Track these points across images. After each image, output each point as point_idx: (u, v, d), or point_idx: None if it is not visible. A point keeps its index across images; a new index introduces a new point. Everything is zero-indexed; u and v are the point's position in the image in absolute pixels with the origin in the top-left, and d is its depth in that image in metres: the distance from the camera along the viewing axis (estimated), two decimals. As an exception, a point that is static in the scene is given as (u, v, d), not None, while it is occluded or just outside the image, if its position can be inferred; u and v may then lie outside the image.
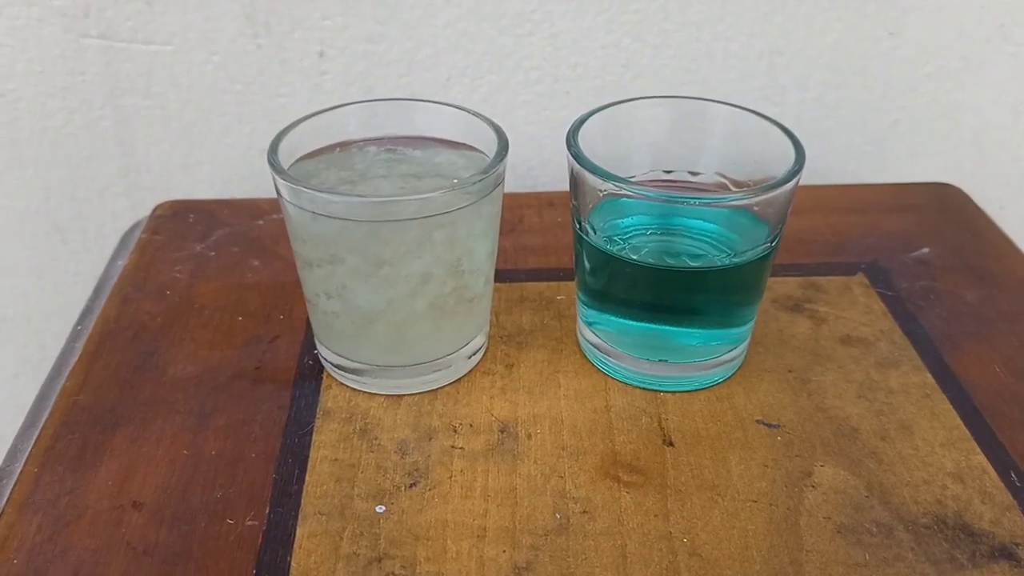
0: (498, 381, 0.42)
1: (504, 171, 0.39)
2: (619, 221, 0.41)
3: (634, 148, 0.44)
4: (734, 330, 0.41)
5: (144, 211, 0.58)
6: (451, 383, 0.42)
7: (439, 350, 0.41)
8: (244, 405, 0.41)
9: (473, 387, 0.42)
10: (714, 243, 0.40)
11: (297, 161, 0.41)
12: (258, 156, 0.61)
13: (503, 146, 0.39)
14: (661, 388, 0.42)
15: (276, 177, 0.38)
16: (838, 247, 0.52)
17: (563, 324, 0.46)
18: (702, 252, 0.40)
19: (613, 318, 0.41)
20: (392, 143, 0.43)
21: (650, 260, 0.39)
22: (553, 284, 0.49)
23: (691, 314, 0.40)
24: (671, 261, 0.38)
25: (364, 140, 0.43)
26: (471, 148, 0.42)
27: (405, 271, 0.38)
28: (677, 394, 0.41)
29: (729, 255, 0.39)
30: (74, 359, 0.44)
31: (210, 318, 0.46)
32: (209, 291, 0.48)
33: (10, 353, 0.68)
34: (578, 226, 0.41)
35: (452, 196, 0.36)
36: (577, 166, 0.39)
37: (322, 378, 0.42)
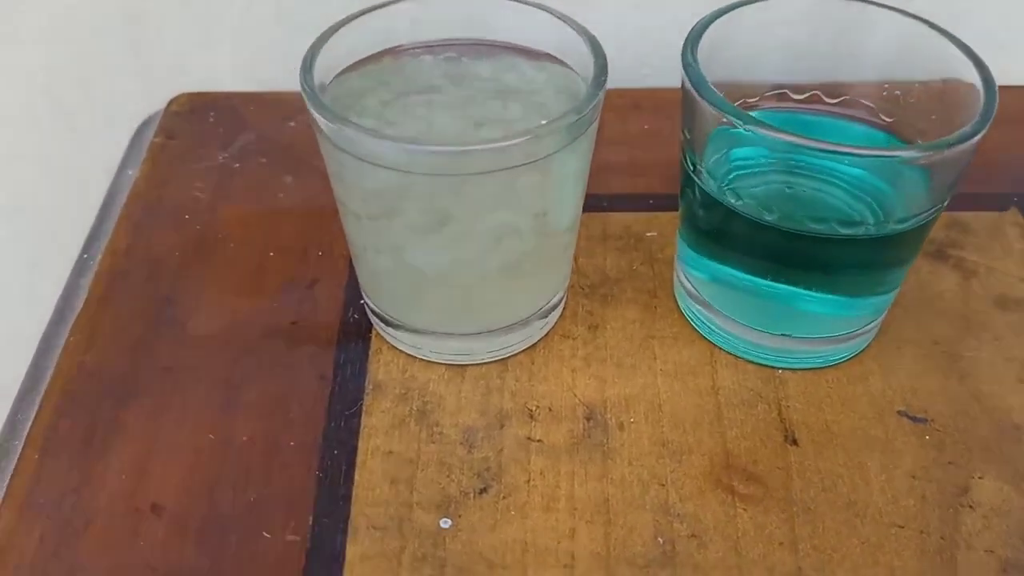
0: (580, 348, 0.35)
1: (603, 101, 0.30)
2: (739, 151, 0.33)
3: (762, 61, 0.34)
4: (878, 298, 0.33)
5: (158, 101, 0.49)
6: (524, 350, 0.35)
7: (513, 314, 0.34)
8: (279, 374, 0.34)
9: (551, 355, 0.35)
10: (860, 195, 0.32)
11: (337, 76, 0.33)
12: (288, 37, 0.52)
13: (601, 67, 0.30)
14: (780, 364, 0.34)
15: (312, 109, 0.29)
16: (985, 171, 0.43)
17: (656, 271, 0.38)
18: (847, 209, 0.31)
19: (725, 275, 0.33)
20: (453, 49, 0.34)
21: (785, 224, 0.30)
22: (642, 216, 0.40)
23: (828, 281, 0.32)
24: (814, 226, 0.30)
25: (418, 45, 0.34)
26: (552, 59, 0.33)
27: (476, 228, 0.30)
28: (799, 372, 0.34)
29: (883, 218, 0.31)
30: (79, 301, 0.37)
31: (237, 253, 0.39)
32: (235, 216, 0.41)
33: (24, 249, 0.61)
34: (689, 164, 0.33)
35: (538, 142, 0.28)
36: (695, 94, 0.30)
37: (370, 338, 0.36)
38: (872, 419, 0.33)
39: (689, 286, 0.36)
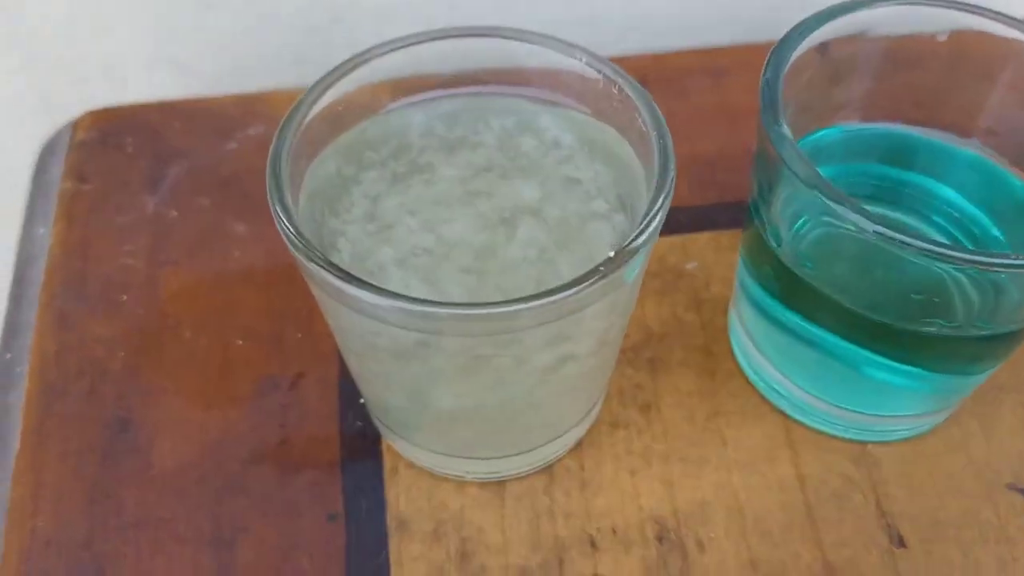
0: (635, 439, 0.29)
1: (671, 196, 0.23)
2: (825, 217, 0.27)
3: (845, 94, 0.28)
4: (982, 375, 0.28)
5: (60, 114, 0.40)
6: (570, 450, 0.29)
7: (560, 427, 0.28)
8: (278, 518, 0.28)
9: (603, 455, 0.29)
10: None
11: (312, 164, 0.25)
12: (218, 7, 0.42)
13: (665, 152, 0.23)
14: (870, 438, 0.29)
15: (291, 240, 0.22)
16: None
17: (704, 318, 0.32)
18: (954, 294, 0.25)
19: (800, 349, 0.28)
20: (449, 102, 0.26)
21: (884, 319, 0.24)
22: (675, 241, 0.34)
23: (929, 367, 0.27)
24: (926, 329, 0.24)
25: (403, 95, 0.26)
26: (580, 110, 0.26)
27: (525, 367, 0.23)
28: (892, 445, 0.29)
29: (997, 308, 0.25)
30: (14, 426, 0.30)
31: (194, 345, 0.32)
32: (182, 290, 0.33)
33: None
34: (761, 224, 0.26)
35: (606, 279, 0.21)
36: (782, 166, 0.24)
37: (381, 452, 0.29)
38: (980, 497, 0.28)
39: (754, 351, 0.30)
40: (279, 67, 0.45)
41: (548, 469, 0.29)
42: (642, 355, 0.31)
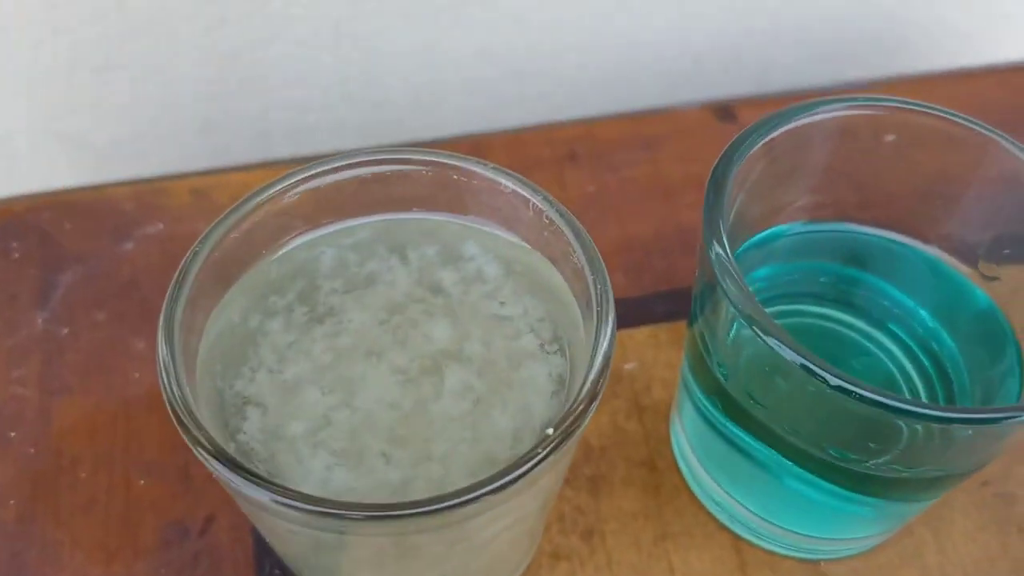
0: (578, 571, 0.28)
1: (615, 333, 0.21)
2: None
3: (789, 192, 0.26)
4: (937, 498, 0.27)
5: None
6: (509, 588, 0.27)
7: (505, 571, 0.26)
8: None
9: (544, 591, 0.27)
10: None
11: (213, 314, 0.22)
12: (99, 81, 0.39)
13: (601, 287, 0.21)
14: (822, 556, 0.28)
15: (177, 418, 0.20)
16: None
17: (647, 426, 0.30)
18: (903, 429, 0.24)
19: (747, 464, 0.26)
20: (358, 232, 0.24)
21: (835, 461, 0.23)
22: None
23: (883, 497, 0.25)
24: (879, 473, 0.23)
25: (309, 230, 0.24)
26: (511, 237, 0.24)
27: (445, 557, 0.21)
28: (844, 562, 0.28)
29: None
30: None
31: (92, 489, 0.29)
32: (78, 424, 0.30)
33: None
34: (704, 346, 0.25)
35: (537, 470, 0.19)
36: (719, 288, 0.22)
37: (305, 602, 0.27)
38: (939, 615, 0.27)
39: (698, 466, 0.28)
40: (184, 137, 0.42)
41: (487, 612, 0.27)
42: (582, 473, 0.29)
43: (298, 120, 0.42)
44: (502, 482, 0.18)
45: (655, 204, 0.37)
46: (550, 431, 0.19)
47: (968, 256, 0.26)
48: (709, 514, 0.29)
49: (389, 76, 0.42)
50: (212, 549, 0.28)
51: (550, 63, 0.43)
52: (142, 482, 0.29)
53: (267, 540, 0.24)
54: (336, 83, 0.41)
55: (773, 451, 0.24)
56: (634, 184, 0.37)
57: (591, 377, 0.20)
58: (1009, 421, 0.20)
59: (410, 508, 0.18)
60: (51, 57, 0.38)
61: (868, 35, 0.46)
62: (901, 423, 0.21)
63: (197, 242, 0.22)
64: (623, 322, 0.33)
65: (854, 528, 0.27)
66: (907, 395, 0.26)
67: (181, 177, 0.36)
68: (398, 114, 0.43)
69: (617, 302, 0.34)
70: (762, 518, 0.27)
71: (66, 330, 0.32)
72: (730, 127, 0.39)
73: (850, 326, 0.28)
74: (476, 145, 0.37)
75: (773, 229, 0.27)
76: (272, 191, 0.22)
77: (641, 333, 0.32)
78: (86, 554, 0.28)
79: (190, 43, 0.38)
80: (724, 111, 0.39)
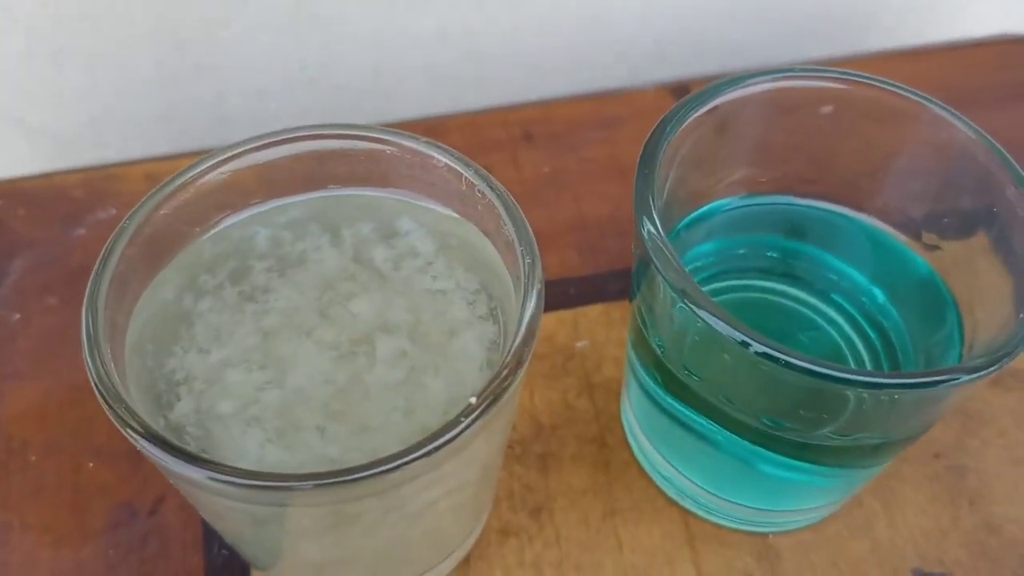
0: (527, 547, 0.28)
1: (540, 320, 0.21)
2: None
3: (726, 156, 0.26)
4: (882, 466, 0.27)
5: None
6: (459, 563, 0.27)
7: (437, 556, 0.26)
8: (138, 671, 0.26)
9: (491, 567, 0.27)
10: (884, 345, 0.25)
11: (143, 297, 0.22)
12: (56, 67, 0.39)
13: (529, 258, 0.21)
14: (770, 529, 0.28)
15: (101, 394, 0.20)
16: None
17: (598, 404, 0.30)
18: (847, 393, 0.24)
19: (691, 438, 0.26)
20: (290, 211, 0.24)
21: (774, 430, 0.23)
22: (568, 316, 0.32)
23: (825, 464, 0.25)
24: (818, 442, 0.23)
25: (241, 211, 0.24)
26: (444, 211, 0.24)
27: (382, 525, 0.21)
28: (792, 534, 0.28)
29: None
30: None
31: (41, 471, 0.29)
32: (29, 408, 0.30)
33: None
34: (643, 321, 0.25)
35: (465, 435, 0.19)
36: (655, 270, 0.22)
37: (253, 583, 0.27)
38: (887, 586, 0.27)
39: (646, 442, 0.28)
40: (144, 125, 0.42)
41: (434, 590, 0.27)
42: (532, 450, 0.29)
43: (256, 105, 0.42)
44: (427, 449, 0.18)
45: (611, 185, 0.37)
46: (473, 399, 0.19)
47: (909, 226, 0.26)
48: (658, 489, 0.29)
49: (348, 57, 0.42)
50: (161, 529, 0.28)
51: (511, 44, 0.43)
52: (91, 465, 0.29)
53: (205, 518, 0.24)
54: (295, 66, 0.41)
55: (712, 423, 0.24)
56: (591, 164, 0.37)
57: (515, 344, 0.20)
58: (925, 388, 0.20)
59: (340, 476, 0.18)
60: (7, 43, 0.37)
61: (831, 13, 0.46)
62: (833, 390, 0.21)
63: (125, 219, 0.22)
64: (576, 300, 0.33)
65: (800, 499, 0.27)
66: (853, 365, 0.26)
67: (136, 163, 0.36)
68: (357, 98, 0.43)
69: (571, 281, 0.34)
70: (708, 491, 0.27)
71: (17, 316, 0.32)
72: (688, 106, 0.39)
73: (796, 299, 0.28)
74: (431, 128, 0.37)
75: (713, 204, 0.27)
76: (202, 167, 0.22)
77: (594, 311, 0.32)
78: (36, 536, 0.28)
79: (144, 26, 0.38)
80: (682, 92, 0.39)
